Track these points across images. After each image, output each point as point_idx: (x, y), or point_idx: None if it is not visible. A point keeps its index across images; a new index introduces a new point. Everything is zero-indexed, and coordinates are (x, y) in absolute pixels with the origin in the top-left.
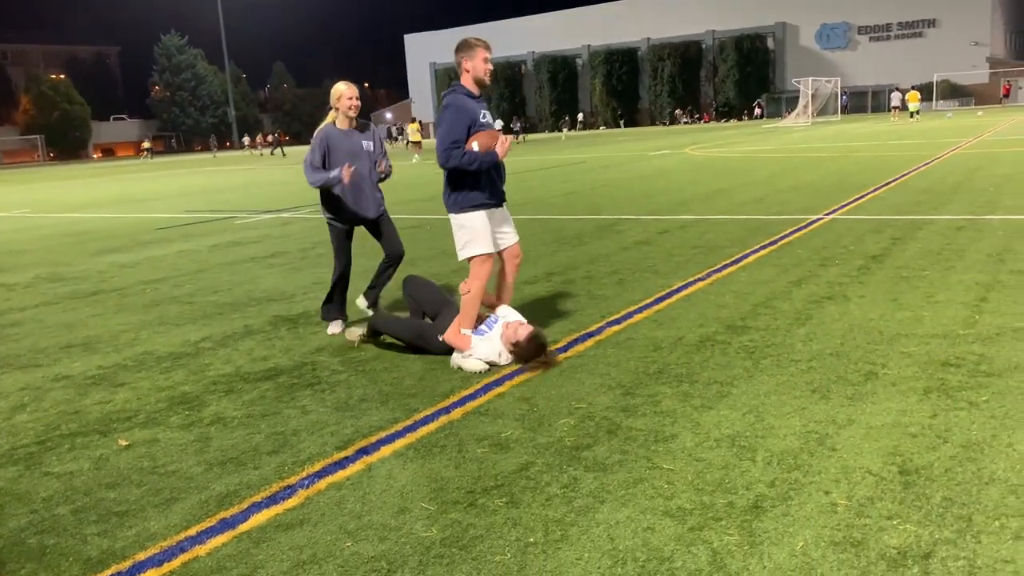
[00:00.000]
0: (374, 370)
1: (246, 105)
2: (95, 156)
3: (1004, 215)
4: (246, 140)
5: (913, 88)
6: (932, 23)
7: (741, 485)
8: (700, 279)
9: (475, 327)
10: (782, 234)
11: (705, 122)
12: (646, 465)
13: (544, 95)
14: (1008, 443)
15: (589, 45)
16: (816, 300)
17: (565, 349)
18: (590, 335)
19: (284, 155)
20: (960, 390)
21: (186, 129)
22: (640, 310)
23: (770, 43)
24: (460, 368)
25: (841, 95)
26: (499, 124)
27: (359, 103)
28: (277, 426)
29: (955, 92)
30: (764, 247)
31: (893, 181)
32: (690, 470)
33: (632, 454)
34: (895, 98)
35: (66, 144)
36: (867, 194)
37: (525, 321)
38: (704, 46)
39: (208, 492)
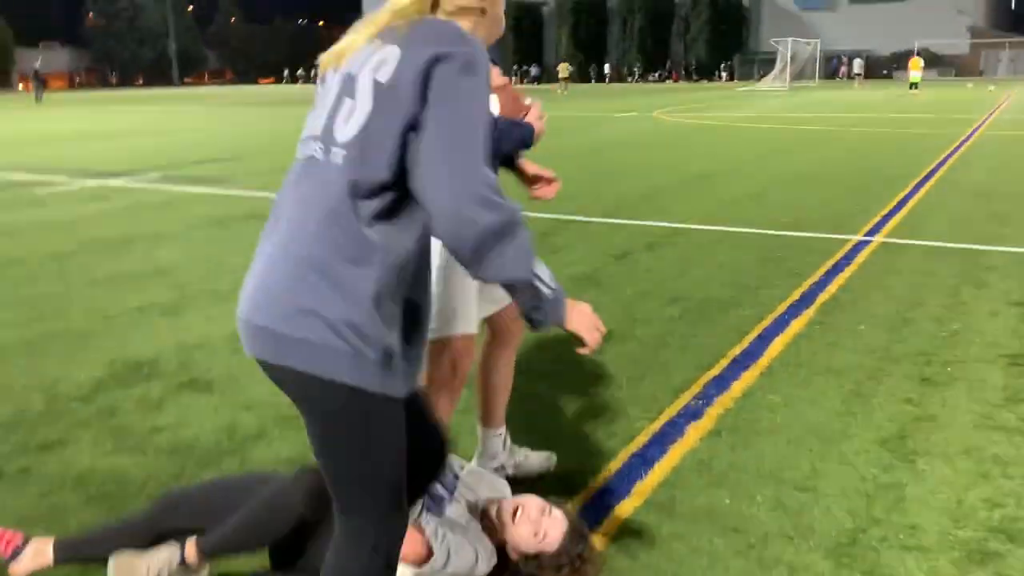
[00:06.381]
0: None
1: (191, 40)
2: (20, 88)
3: None
4: None
5: (916, 55)
6: None
7: None
8: (701, 399)
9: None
10: (814, 279)
11: (675, 81)
12: None
13: (506, 43)
14: None
15: None
16: (1013, 535)
17: None
18: None
19: None
20: None
21: (123, 62)
22: (595, 514)
23: (746, 0)
24: None
25: (832, 60)
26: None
27: None
28: None
29: (935, 62)
30: (792, 310)
31: (930, 175)
32: None
33: None
34: (856, 64)
35: None
36: (908, 196)
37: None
38: (676, 1)
39: None
